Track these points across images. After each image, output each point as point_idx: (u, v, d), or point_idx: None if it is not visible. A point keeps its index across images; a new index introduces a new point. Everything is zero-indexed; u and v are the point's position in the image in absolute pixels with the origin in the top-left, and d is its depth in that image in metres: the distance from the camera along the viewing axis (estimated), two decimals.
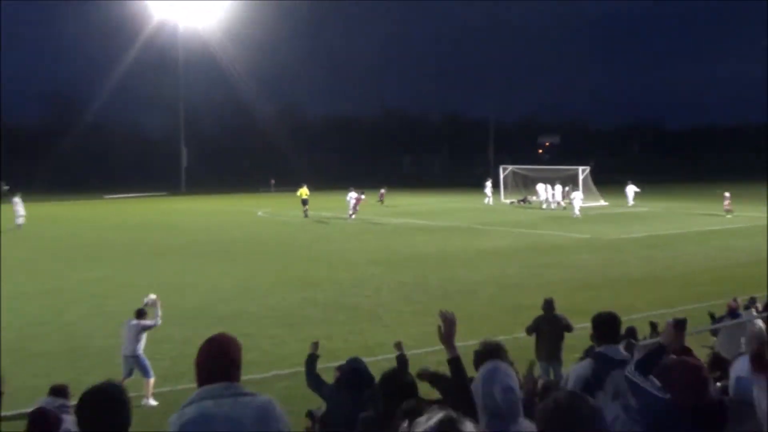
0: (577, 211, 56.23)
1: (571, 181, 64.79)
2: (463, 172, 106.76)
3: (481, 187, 71.51)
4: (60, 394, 11.35)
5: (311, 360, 10.57)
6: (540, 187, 65.19)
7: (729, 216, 54.33)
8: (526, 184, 67.39)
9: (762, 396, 4.53)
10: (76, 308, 25.25)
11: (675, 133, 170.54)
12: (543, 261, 34.28)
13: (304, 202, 56.90)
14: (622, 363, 7.05)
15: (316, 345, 10.93)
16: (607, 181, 71.91)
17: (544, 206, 63.34)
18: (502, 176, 73.79)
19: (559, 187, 64.43)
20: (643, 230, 46.36)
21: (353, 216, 53.65)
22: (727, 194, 56.41)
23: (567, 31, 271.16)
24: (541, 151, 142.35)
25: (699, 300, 25.24)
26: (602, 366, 6.95)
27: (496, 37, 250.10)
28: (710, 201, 58.93)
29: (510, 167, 74.58)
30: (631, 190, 66.26)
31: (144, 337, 16.50)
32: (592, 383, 6.73)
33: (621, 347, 7.62)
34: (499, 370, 5.36)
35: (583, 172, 67.38)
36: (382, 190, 65.41)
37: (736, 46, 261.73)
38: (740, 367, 6.21)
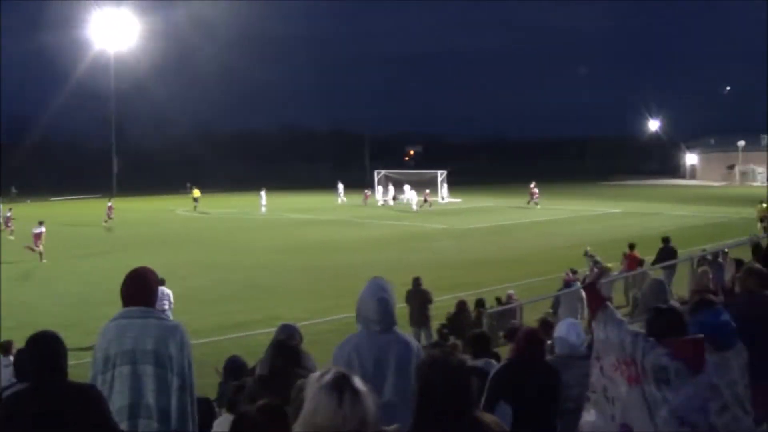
0: (414, 206, 56.80)
1: (431, 184, 65.42)
2: (345, 176, 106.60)
3: (337, 188, 69.40)
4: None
5: None
6: (378, 189, 65.16)
7: (533, 205, 56.18)
8: (396, 186, 67.23)
9: (601, 329, 4.56)
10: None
11: (513, 145, 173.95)
12: (410, 246, 34.55)
13: (195, 200, 58.96)
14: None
15: None
16: (460, 182, 72.92)
17: (381, 203, 62.73)
18: (376, 179, 73.62)
19: (392, 188, 64.37)
20: (487, 221, 46.97)
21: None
22: (535, 190, 57.82)
23: (427, 62, 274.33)
24: (407, 158, 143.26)
25: (534, 276, 25.94)
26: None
27: (371, 65, 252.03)
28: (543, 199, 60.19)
29: (383, 171, 74.57)
30: (444, 189, 66.60)
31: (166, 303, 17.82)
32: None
33: (492, 360, 7.70)
34: (377, 284, 5.25)
35: (441, 175, 67.94)
36: (427, 191, 60.29)
37: (560, 75, 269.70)
38: (561, 328, 6.38)
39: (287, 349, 6.00)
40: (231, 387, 6.80)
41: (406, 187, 62.22)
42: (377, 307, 5.04)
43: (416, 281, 18.09)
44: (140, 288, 4.99)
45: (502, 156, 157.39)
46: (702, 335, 4.53)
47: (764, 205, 38.35)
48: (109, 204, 47.57)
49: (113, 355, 4.79)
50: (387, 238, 37.99)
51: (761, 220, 37.75)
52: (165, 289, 18.11)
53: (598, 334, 4.66)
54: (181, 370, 4.83)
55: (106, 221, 45.83)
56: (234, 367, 9.08)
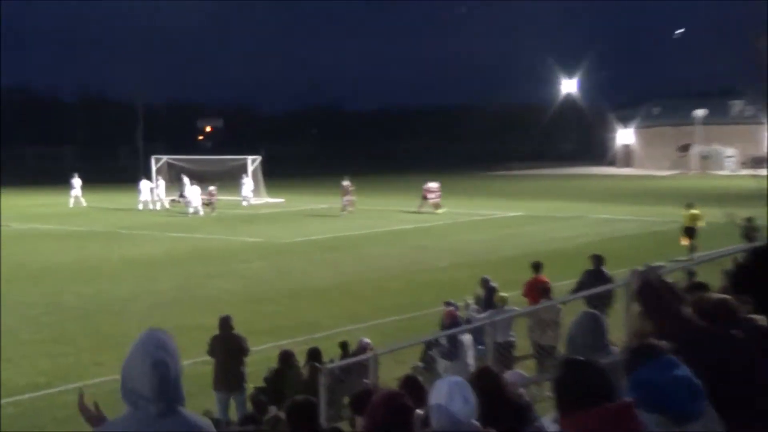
0: (191, 210, 57.19)
1: (239, 174, 65.16)
2: (106, 164, 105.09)
3: (71, 184, 67.89)
4: None
5: None
6: (144, 184, 63.90)
7: (429, 209, 56.03)
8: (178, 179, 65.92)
9: None
10: None
11: (353, 118, 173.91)
12: (205, 270, 34.19)
13: None
14: None
15: None
16: (282, 173, 72.99)
17: (141, 207, 62.05)
18: (154, 169, 72.27)
19: (162, 183, 64.64)
20: (324, 231, 47.13)
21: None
22: (432, 185, 57.40)
23: (229, 10, 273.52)
24: (202, 137, 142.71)
25: (394, 312, 26.01)
26: None
27: (143, 15, 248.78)
28: (400, 195, 60.72)
29: (164, 158, 73.46)
30: (248, 188, 66.41)
31: None
32: None
33: None
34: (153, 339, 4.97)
35: (253, 162, 67.43)
36: (212, 188, 59.88)
37: (411, 25, 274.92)
38: (441, 391, 6.34)
39: None
40: None
41: (186, 181, 60.56)
42: (152, 376, 4.78)
43: (224, 323, 17.23)
44: None
45: (337, 134, 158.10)
46: (631, 399, 4.50)
47: (694, 211, 36.31)
48: None
49: None
50: (170, 258, 37.55)
51: (688, 234, 35.58)
52: None
53: None
54: None
55: None
56: None
